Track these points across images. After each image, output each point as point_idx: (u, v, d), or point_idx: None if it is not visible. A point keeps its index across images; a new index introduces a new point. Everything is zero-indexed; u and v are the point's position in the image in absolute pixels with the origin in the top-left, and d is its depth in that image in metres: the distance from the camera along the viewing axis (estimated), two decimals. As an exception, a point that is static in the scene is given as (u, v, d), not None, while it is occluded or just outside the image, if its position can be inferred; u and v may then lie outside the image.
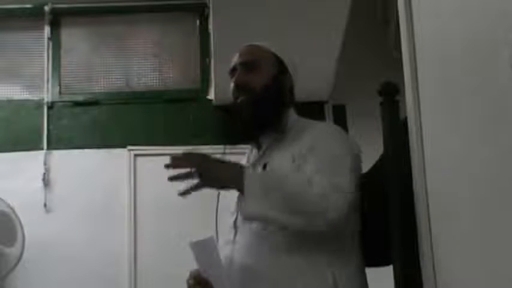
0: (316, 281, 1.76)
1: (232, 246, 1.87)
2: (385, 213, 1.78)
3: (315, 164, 1.78)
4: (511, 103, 1.13)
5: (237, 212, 1.89)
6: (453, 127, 1.44)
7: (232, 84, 2.00)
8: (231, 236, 1.90)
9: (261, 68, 1.99)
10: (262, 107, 1.94)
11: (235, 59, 2.03)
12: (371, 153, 1.94)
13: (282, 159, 1.87)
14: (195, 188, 1.78)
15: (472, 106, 1.32)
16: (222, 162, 1.80)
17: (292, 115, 2.00)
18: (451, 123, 1.46)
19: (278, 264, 1.79)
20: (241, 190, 1.73)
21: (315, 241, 1.78)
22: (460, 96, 1.39)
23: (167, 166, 1.73)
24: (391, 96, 1.83)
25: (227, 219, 1.95)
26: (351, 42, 4.09)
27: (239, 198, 1.79)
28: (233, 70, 2.02)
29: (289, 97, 2.02)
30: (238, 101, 1.97)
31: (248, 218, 1.79)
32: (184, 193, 1.78)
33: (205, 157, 1.78)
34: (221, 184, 1.79)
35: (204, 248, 1.82)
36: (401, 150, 1.75)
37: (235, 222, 1.90)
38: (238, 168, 1.77)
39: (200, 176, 1.74)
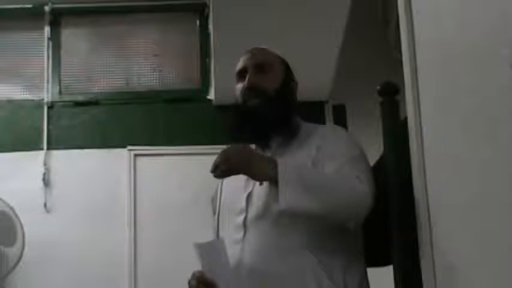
0: (328, 281, 1.76)
1: (241, 246, 1.84)
2: (385, 213, 1.78)
3: (338, 162, 1.82)
4: (511, 103, 1.13)
5: (246, 212, 1.87)
6: (453, 127, 1.44)
7: (240, 85, 1.97)
8: (240, 236, 1.86)
9: (273, 70, 1.98)
10: (276, 109, 1.92)
11: (245, 60, 1.99)
12: (371, 153, 1.94)
13: (296, 159, 1.87)
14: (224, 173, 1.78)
15: (472, 106, 1.32)
16: (256, 153, 1.84)
17: (298, 118, 2.00)
18: (451, 123, 1.46)
19: (289, 264, 1.78)
20: (275, 178, 1.71)
21: (326, 242, 1.78)
22: (460, 96, 1.39)
23: (216, 176, 1.77)
24: (391, 96, 1.83)
25: (230, 219, 1.93)
26: (350, 42, 4.09)
27: (254, 196, 1.82)
28: (242, 71, 1.98)
29: (295, 101, 2.02)
30: (250, 103, 1.94)
31: (284, 208, 1.71)
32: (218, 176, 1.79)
33: (239, 148, 1.80)
34: (251, 168, 1.76)
35: (210, 250, 1.80)
36: (401, 150, 1.75)
37: (244, 221, 1.87)
38: (271, 158, 1.79)
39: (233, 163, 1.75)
